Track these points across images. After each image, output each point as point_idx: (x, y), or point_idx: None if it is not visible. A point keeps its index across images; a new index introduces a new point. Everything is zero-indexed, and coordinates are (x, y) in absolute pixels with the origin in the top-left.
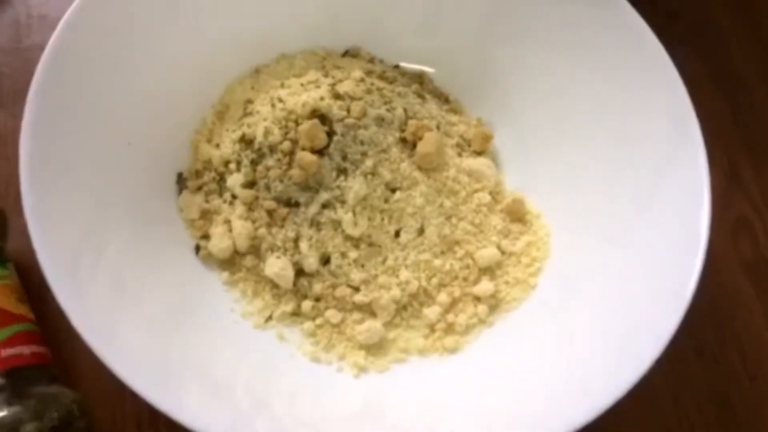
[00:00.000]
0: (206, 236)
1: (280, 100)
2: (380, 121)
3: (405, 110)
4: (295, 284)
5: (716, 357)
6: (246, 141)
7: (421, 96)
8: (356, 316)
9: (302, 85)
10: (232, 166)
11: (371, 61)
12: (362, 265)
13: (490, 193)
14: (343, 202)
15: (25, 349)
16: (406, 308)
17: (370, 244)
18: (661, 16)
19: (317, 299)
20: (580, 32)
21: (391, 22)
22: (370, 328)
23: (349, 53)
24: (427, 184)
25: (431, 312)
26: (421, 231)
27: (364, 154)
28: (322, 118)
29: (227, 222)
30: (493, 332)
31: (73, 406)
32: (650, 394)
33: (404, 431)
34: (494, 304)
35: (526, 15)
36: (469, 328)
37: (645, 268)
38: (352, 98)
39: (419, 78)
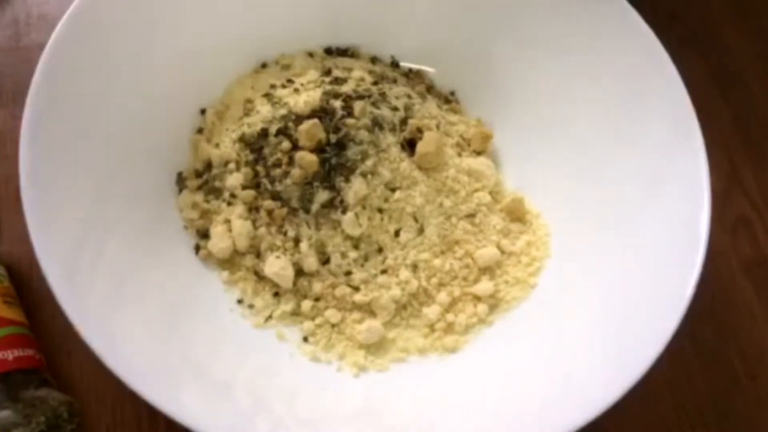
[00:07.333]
0: (206, 236)
1: (280, 100)
2: (380, 120)
3: (405, 110)
4: (295, 284)
5: (716, 357)
6: (246, 141)
7: (421, 96)
8: (356, 315)
9: (302, 85)
10: (232, 166)
11: (371, 61)
12: (362, 265)
13: (490, 193)
14: (343, 202)
15: (15, 353)
16: (406, 308)
17: (370, 244)
18: (661, 16)
19: (317, 299)
20: (580, 32)
21: (391, 22)
22: (369, 327)
23: (349, 53)
24: (426, 184)
25: (431, 311)
26: (420, 230)
27: (363, 154)
28: (322, 118)
29: (227, 222)
30: (493, 332)
31: (61, 409)
32: (650, 394)
33: (403, 431)
34: (494, 303)
35: (526, 15)
36: (468, 328)
37: (645, 267)
38: (352, 98)
39: (419, 78)
